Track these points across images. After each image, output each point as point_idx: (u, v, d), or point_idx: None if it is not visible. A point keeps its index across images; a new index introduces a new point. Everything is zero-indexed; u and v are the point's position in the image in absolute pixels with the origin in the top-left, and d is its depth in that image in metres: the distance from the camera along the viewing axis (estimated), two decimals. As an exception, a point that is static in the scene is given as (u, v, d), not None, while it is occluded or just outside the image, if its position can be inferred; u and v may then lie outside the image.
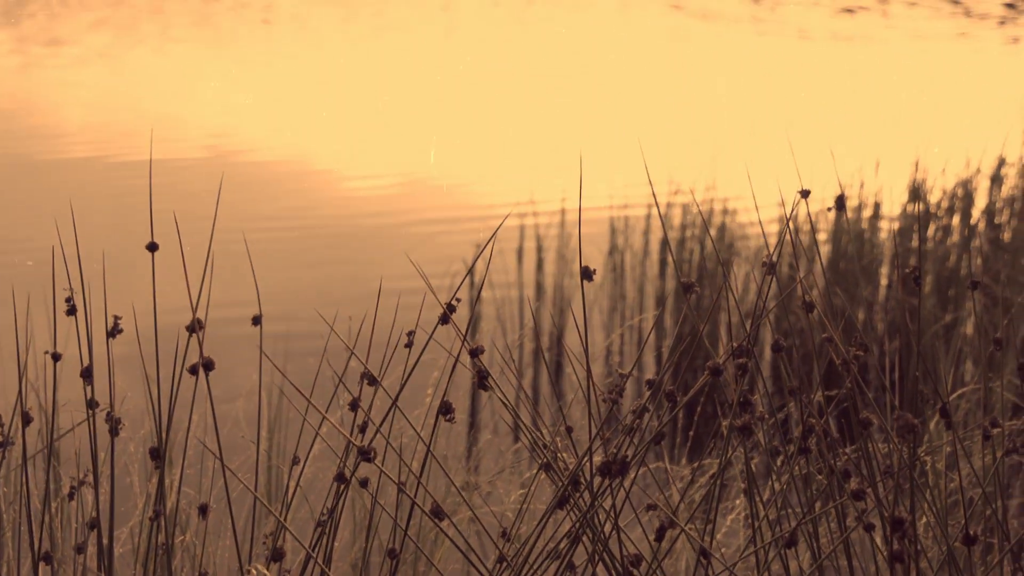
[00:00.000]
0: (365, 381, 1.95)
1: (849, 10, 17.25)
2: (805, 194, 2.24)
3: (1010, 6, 17.59)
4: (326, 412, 2.18)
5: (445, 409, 1.84)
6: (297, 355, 4.74)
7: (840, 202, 2.27)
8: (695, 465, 2.51)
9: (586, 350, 1.91)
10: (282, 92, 11.86)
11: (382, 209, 7.85)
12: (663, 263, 6.13)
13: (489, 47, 14.66)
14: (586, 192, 7.69)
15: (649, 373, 5.55)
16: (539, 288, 5.98)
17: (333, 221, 7.55)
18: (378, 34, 15.03)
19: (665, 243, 6.12)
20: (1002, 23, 16.54)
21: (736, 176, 6.68)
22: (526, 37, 15.43)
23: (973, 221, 6.02)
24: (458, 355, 1.92)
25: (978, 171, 6.21)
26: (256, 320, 2.16)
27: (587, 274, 1.86)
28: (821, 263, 2.25)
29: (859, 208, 6.06)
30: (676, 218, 6.12)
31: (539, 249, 6.04)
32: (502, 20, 16.44)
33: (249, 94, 11.58)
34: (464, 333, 1.94)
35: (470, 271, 2.69)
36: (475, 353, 1.89)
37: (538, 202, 6.53)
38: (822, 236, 6.03)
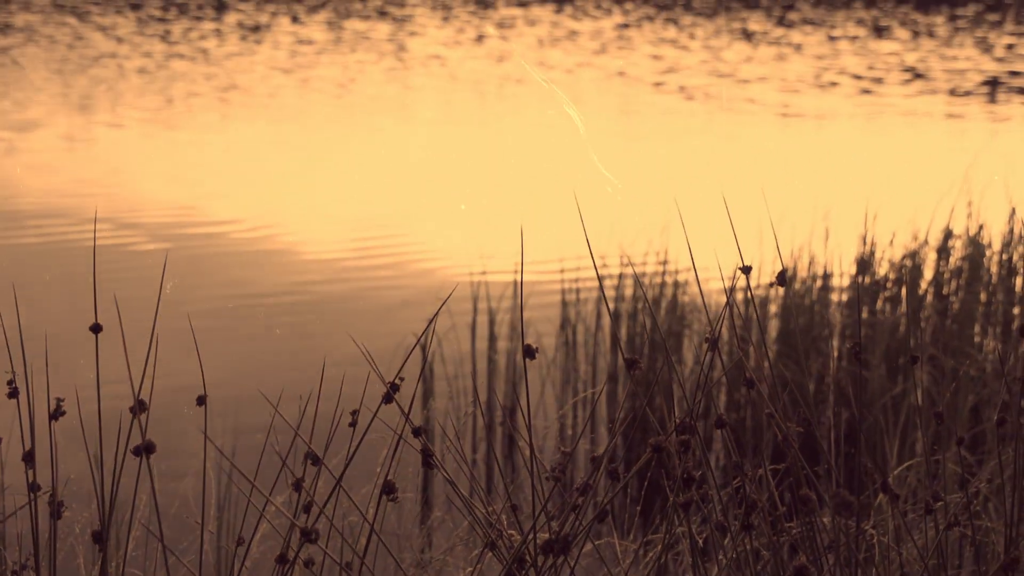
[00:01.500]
0: (309, 461, 1.95)
1: (795, 90, 17.54)
2: (746, 270, 2.28)
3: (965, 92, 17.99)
4: (271, 491, 2.18)
5: (388, 489, 1.85)
6: (248, 431, 4.73)
7: (781, 278, 2.31)
8: (641, 542, 2.52)
9: (529, 428, 1.93)
10: (232, 165, 11.88)
11: (334, 280, 7.86)
12: (616, 336, 6.17)
13: (445, 115, 14.77)
14: (539, 264, 7.73)
15: (603, 447, 5.56)
16: (491, 362, 5.99)
17: (285, 294, 7.55)
18: (333, 106, 15.12)
19: (615, 316, 6.16)
20: (952, 93, 16.87)
21: (688, 247, 6.74)
22: (484, 110, 15.56)
23: (921, 292, 6.10)
24: (401, 433, 1.93)
25: (925, 243, 6.31)
26: (200, 400, 2.17)
27: (529, 353, 1.88)
28: (762, 338, 2.29)
29: (810, 280, 6.13)
30: (628, 290, 6.17)
31: (491, 323, 6.06)
32: (459, 89, 16.59)
33: (200, 167, 11.60)
34: (408, 411, 1.96)
35: (418, 343, 2.70)
36: (418, 432, 1.90)
37: (491, 274, 6.56)
38: (774, 308, 6.09)
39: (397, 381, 1.97)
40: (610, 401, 5.96)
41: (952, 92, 17.10)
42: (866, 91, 16.93)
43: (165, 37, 21.26)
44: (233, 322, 6.95)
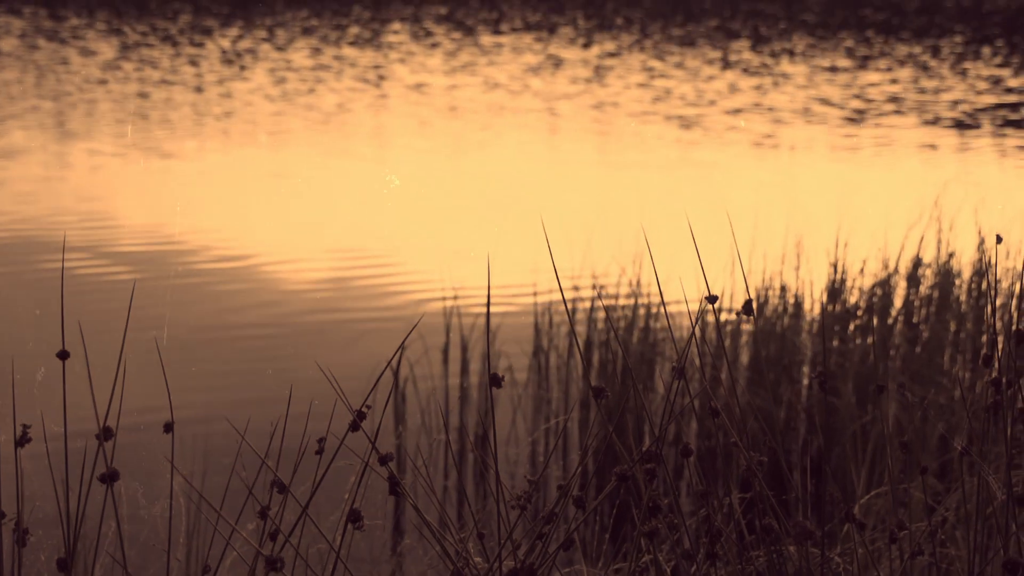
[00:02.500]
0: (275, 489, 1.95)
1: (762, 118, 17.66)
2: (712, 300, 2.30)
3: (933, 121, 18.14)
4: (238, 519, 2.17)
5: (354, 517, 1.85)
6: (220, 456, 4.71)
7: (747, 307, 2.33)
8: (608, 570, 2.52)
9: (495, 456, 1.94)
10: (206, 192, 11.87)
11: (308, 309, 7.85)
12: (587, 363, 6.18)
13: (422, 144, 14.79)
14: (512, 292, 7.75)
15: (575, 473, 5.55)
16: (463, 389, 5.99)
17: (258, 322, 7.53)
18: (310, 133, 15.12)
19: (588, 343, 6.17)
20: (925, 124, 17.00)
21: (661, 274, 6.77)
22: (461, 138, 15.59)
23: (891, 320, 6.14)
24: (367, 460, 1.94)
25: (896, 271, 6.35)
26: (168, 427, 2.17)
27: (495, 381, 1.89)
28: (728, 366, 2.30)
29: (781, 308, 6.16)
30: (602, 317, 6.18)
31: (464, 350, 6.06)
32: (437, 118, 16.62)
33: (174, 194, 11.58)
34: (375, 438, 1.96)
35: (387, 368, 2.71)
36: (384, 460, 1.91)
37: (464, 301, 6.57)
38: (745, 337, 6.11)
39: (364, 409, 1.97)
40: (582, 428, 5.96)
41: (927, 122, 17.24)
42: (849, 120, 17.04)
43: (146, 62, 21.26)
44: (207, 349, 6.93)
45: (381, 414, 5.57)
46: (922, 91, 20.59)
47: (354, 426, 1.93)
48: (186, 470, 4.38)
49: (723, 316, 6.13)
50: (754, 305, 6.12)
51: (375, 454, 1.97)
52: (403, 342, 1.91)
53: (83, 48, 22.92)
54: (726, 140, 15.25)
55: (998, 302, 6.02)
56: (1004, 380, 2.10)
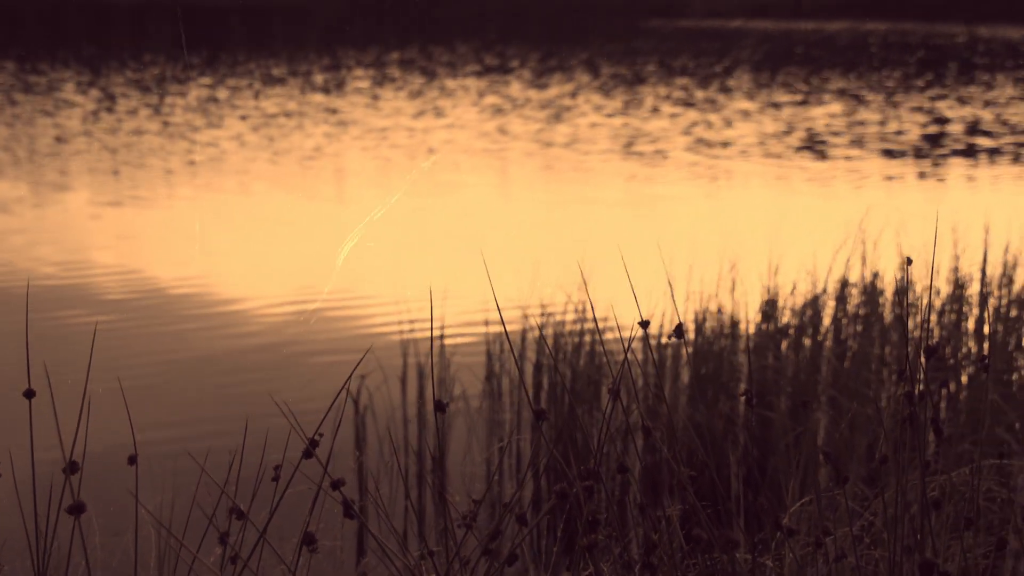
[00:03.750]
0: (233, 515, 1.95)
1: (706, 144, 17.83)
2: (644, 324, 2.32)
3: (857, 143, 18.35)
4: (199, 546, 2.16)
5: (308, 540, 1.85)
6: (186, 486, 4.67)
7: (678, 331, 2.35)
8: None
9: (442, 478, 1.95)
10: (169, 230, 11.81)
11: (272, 342, 7.82)
12: (538, 386, 6.19)
13: (381, 182, 14.79)
14: (466, 319, 7.76)
15: (528, 490, 5.56)
16: (420, 413, 5.99)
17: (222, 354, 7.50)
18: (273, 174, 15.09)
19: (538, 367, 6.19)
20: (848, 160, 17.18)
21: (605, 298, 6.81)
22: (419, 177, 15.61)
23: (820, 337, 6.19)
24: (320, 485, 1.94)
25: (824, 291, 6.41)
26: (132, 460, 2.16)
27: (440, 407, 1.91)
28: (659, 385, 2.33)
29: (719, 328, 6.20)
30: (552, 341, 6.20)
31: (420, 376, 6.07)
32: (396, 157, 16.63)
33: (138, 233, 11.52)
34: (326, 464, 1.97)
35: (339, 395, 2.71)
36: (336, 485, 1.91)
37: (421, 331, 6.57)
38: (687, 358, 6.14)
39: (317, 437, 1.98)
40: (536, 448, 5.97)
41: (853, 151, 17.44)
42: (807, 148, 17.21)
43: (119, 110, 21.14)
44: (171, 385, 6.89)
45: (332, 440, 5.55)
46: (850, 123, 20.84)
47: (307, 453, 1.94)
48: (155, 501, 4.36)
49: (664, 339, 6.17)
50: (692, 327, 6.17)
51: (325, 479, 1.97)
52: (354, 370, 1.92)
53: (58, 99, 22.78)
54: (670, 173, 15.37)
55: (917, 318, 6.10)
56: (916, 392, 2.13)
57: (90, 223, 12.00)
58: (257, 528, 1.96)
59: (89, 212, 12.51)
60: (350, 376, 1.92)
